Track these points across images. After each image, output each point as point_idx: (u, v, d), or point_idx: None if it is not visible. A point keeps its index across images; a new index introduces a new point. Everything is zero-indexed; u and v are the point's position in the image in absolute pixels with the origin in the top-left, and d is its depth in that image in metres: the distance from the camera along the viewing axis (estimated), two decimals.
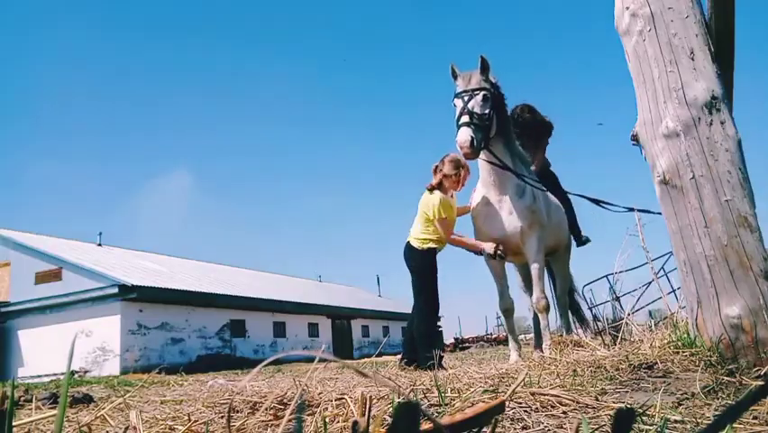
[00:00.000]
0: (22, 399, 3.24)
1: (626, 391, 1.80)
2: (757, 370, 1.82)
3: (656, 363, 2.08)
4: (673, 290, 3.49)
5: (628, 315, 3.39)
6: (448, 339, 31.30)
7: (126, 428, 1.47)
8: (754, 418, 1.32)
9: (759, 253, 1.95)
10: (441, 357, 4.24)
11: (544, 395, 1.59)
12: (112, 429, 1.65)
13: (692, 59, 2.13)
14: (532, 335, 5.88)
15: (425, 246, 4.83)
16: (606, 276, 4.26)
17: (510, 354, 4.71)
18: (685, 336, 2.26)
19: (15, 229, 21.14)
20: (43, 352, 17.43)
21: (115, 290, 16.58)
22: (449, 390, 1.90)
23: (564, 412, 1.49)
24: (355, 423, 0.83)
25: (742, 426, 1.25)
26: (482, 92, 4.20)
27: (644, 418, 1.34)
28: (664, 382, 1.86)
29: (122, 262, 20.66)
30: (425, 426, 0.87)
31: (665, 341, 2.37)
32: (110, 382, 6.81)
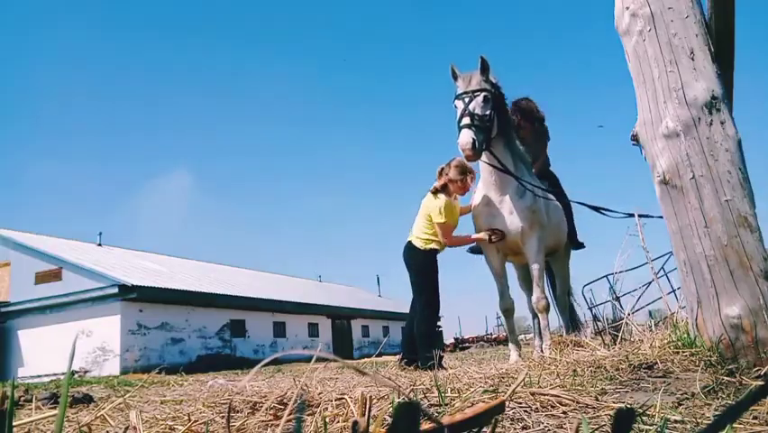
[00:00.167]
0: (22, 399, 3.24)
1: (626, 391, 1.80)
2: (757, 370, 1.82)
3: (656, 363, 2.08)
4: (673, 290, 3.49)
5: (628, 315, 3.38)
6: (448, 339, 31.34)
7: (126, 428, 1.47)
8: (754, 418, 1.33)
9: (759, 253, 1.95)
10: (441, 357, 4.24)
11: (544, 395, 1.59)
12: (112, 429, 1.66)
13: (692, 59, 2.13)
14: (532, 335, 5.89)
15: (428, 246, 4.84)
16: (606, 276, 4.26)
17: (510, 354, 4.71)
18: (685, 336, 2.26)
19: (15, 229, 21.16)
20: (43, 352, 17.43)
21: (115, 290, 16.58)
22: (449, 390, 1.90)
23: (564, 412, 1.49)
24: (355, 423, 0.83)
25: (742, 426, 1.25)
26: (483, 93, 4.20)
27: (644, 418, 1.34)
28: (664, 382, 1.86)
29: (122, 262, 20.67)
30: (425, 426, 0.87)
31: (665, 341, 2.37)
32: (110, 382, 6.81)
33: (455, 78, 4.37)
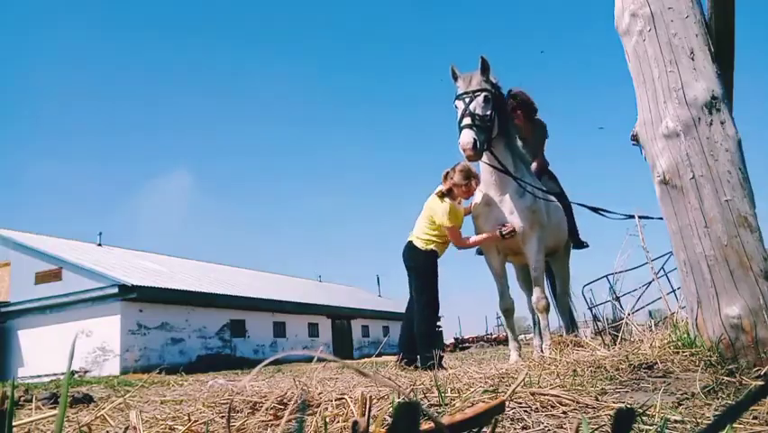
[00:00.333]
0: (22, 399, 3.24)
1: (626, 391, 1.80)
2: (757, 370, 1.82)
3: (656, 363, 2.08)
4: (673, 290, 3.49)
5: (628, 315, 3.38)
6: (448, 339, 31.33)
7: (126, 428, 1.47)
8: (754, 418, 1.32)
9: (759, 253, 1.95)
10: (441, 357, 4.24)
11: (544, 395, 1.59)
12: (112, 429, 1.66)
13: (692, 59, 2.13)
14: (532, 335, 5.88)
15: (429, 247, 4.84)
16: (606, 276, 4.25)
17: (510, 354, 4.71)
18: (685, 336, 2.26)
19: (15, 229, 21.15)
20: (43, 352, 17.43)
21: (115, 290, 16.58)
22: (449, 390, 1.90)
23: (564, 412, 1.49)
24: (355, 423, 0.83)
25: (742, 426, 1.25)
26: (483, 93, 4.20)
27: (644, 418, 1.34)
28: (664, 382, 1.86)
29: (122, 262, 20.66)
30: (425, 426, 0.87)
31: (665, 341, 2.37)
32: (110, 382, 6.81)
33: (455, 78, 4.37)
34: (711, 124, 2.06)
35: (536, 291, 4.45)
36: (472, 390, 1.82)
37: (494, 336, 31.56)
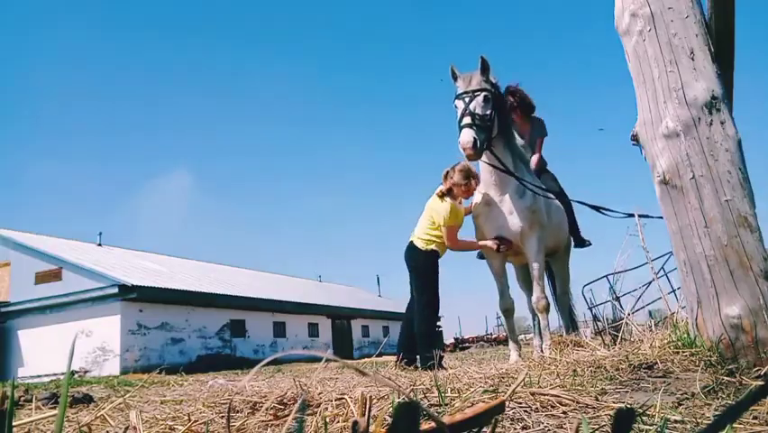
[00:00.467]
0: (22, 399, 3.24)
1: (626, 391, 1.80)
2: (757, 370, 1.82)
3: (656, 363, 2.08)
4: (673, 290, 3.49)
5: (628, 315, 3.39)
6: (448, 339, 31.35)
7: (126, 428, 1.47)
8: (754, 418, 1.32)
9: (759, 253, 1.95)
10: (441, 357, 4.24)
11: (544, 395, 1.59)
12: (112, 429, 1.66)
13: (692, 59, 2.13)
14: (532, 335, 5.88)
15: (429, 247, 4.85)
16: (606, 276, 4.25)
17: (510, 354, 4.71)
18: (685, 336, 2.26)
19: (15, 229, 21.15)
20: (43, 352, 17.43)
21: (115, 290, 16.58)
22: (449, 390, 1.90)
23: (564, 412, 1.49)
24: (355, 423, 0.83)
25: (742, 426, 1.25)
26: (483, 93, 4.20)
27: (644, 418, 1.34)
28: (664, 382, 1.86)
29: (122, 262, 20.66)
30: (425, 426, 0.87)
31: (665, 341, 2.37)
32: (110, 382, 6.81)
33: (455, 78, 4.37)
34: (711, 124, 2.06)
35: (536, 291, 4.45)
36: (472, 390, 1.82)
37: (494, 336, 31.57)
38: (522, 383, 1.68)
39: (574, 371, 2.16)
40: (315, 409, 1.57)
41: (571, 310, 5.49)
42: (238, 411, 1.73)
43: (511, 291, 4.73)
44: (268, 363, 0.94)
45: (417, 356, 4.82)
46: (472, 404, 1.50)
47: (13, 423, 0.79)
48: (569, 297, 5.51)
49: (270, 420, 1.58)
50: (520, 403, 1.55)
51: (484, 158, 4.35)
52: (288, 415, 1.56)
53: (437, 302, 4.89)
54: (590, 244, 5.46)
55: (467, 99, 4.19)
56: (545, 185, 4.95)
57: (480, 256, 4.96)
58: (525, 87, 5.39)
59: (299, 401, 1.52)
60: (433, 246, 4.85)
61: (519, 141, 4.86)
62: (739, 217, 1.97)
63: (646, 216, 3.69)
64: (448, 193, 4.75)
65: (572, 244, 5.47)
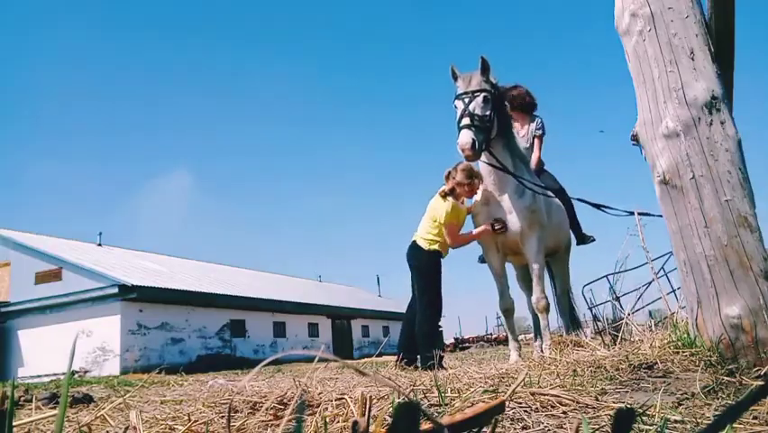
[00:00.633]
0: (22, 399, 3.24)
1: (626, 391, 1.80)
2: (757, 370, 1.82)
3: (656, 363, 2.08)
4: (673, 290, 3.49)
5: (628, 315, 3.39)
6: (448, 339, 31.32)
7: (126, 428, 1.47)
8: (754, 418, 1.33)
9: (759, 253, 1.95)
10: (441, 357, 4.24)
11: (544, 395, 1.59)
12: (112, 429, 1.66)
13: (692, 59, 2.13)
14: (532, 335, 5.88)
15: (432, 247, 4.85)
16: (606, 276, 4.26)
17: (510, 354, 4.71)
18: (685, 336, 2.26)
19: (15, 229, 21.15)
20: (43, 352, 17.43)
21: (115, 290, 16.59)
22: (449, 390, 1.90)
23: (564, 412, 1.49)
24: (355, 423, 0.83)
25: (742, 426, 1.25)
26: (483, 93, 4.20)
27: (644, 418, 1.34)
28: (664, 382, 1.86)
29: (122, 262, 20.67)
30: (425, 426, 0.87)
31: (665, 341, 2.37)
32: (110, 382, 6.81)
33: (455, 78, 4.37)
34: (711, 124, 2.06)
35: (536, 291, 4.45)
36: (472, 390, 1.82)
37: (494, 336, 31.56)
38: (522, 383, 1.68)
39: (574, 371, 2.16)
40: (315, 409, 1.57)
41: (572, 310, 5.49)
42: (238, 411, 1.73)
43: (511, 291, 4.73)
44: (268, 364, 0.94)
45: (417, 356, 4.81)
46: (472, 404, 1.51)
47: (14, 423, 0.79)
48: (570, 296, 5.51)
49: (270, 420, 1.58)
50: (520, 403, 1.55)
51: (483, 158, 4.35)
52: (288, 415, 1.55)
53: (440, 302, 4.89)
54: (594, 240, 5.44)
55: (466, 100, 4.19)
56: (545, 183, 4.96)
57: (482, 261, 4.96)
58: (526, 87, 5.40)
59: (298, 401, 1.52)
60: (435, 246, 4.85)
61: (522, 143, 4.86)
62: (739, 217, 1.97)
63: (647, 214, 3.69)
64: (450, 193, 4.76)
65: (573, 243, 5.47)
